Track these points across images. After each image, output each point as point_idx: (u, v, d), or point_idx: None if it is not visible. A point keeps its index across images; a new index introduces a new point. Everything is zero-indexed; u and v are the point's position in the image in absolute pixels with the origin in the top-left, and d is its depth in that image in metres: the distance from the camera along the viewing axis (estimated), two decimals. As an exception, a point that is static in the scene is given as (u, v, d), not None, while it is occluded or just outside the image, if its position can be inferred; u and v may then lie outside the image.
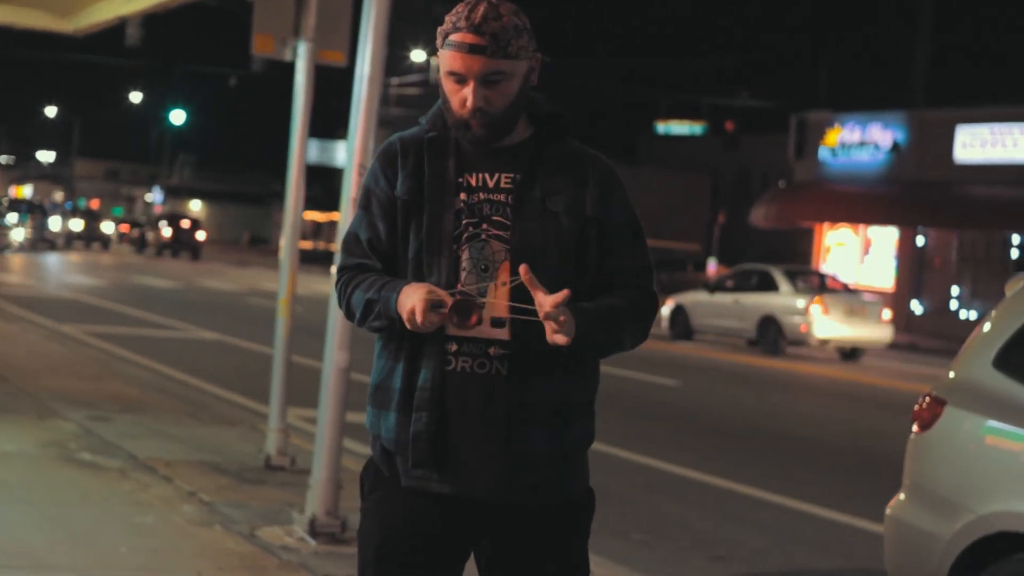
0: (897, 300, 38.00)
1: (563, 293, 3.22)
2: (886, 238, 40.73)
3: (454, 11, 3.38)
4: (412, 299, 3.26)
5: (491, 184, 3.43)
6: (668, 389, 18.94)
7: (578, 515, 3.54)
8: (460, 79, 3.37)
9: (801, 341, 27.19)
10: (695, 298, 29.64)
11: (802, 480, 11.84)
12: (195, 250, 64.49)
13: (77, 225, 70.38)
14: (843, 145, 41.46)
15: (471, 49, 3.33)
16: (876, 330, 27.70)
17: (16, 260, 47.50)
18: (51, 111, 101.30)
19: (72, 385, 13.23)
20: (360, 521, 3.58)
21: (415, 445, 3.37)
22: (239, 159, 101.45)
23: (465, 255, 3.40)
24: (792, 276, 28.32)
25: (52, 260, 50.44)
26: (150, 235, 69.75)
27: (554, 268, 3.35)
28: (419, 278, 3.40)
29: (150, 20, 36.63)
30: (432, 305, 3.24)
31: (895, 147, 40.01)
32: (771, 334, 27.28)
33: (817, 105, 45.37)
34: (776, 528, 9.76)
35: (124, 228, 79.84)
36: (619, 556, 8.24)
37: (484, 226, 3.41)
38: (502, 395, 3.36)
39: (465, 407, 3.36)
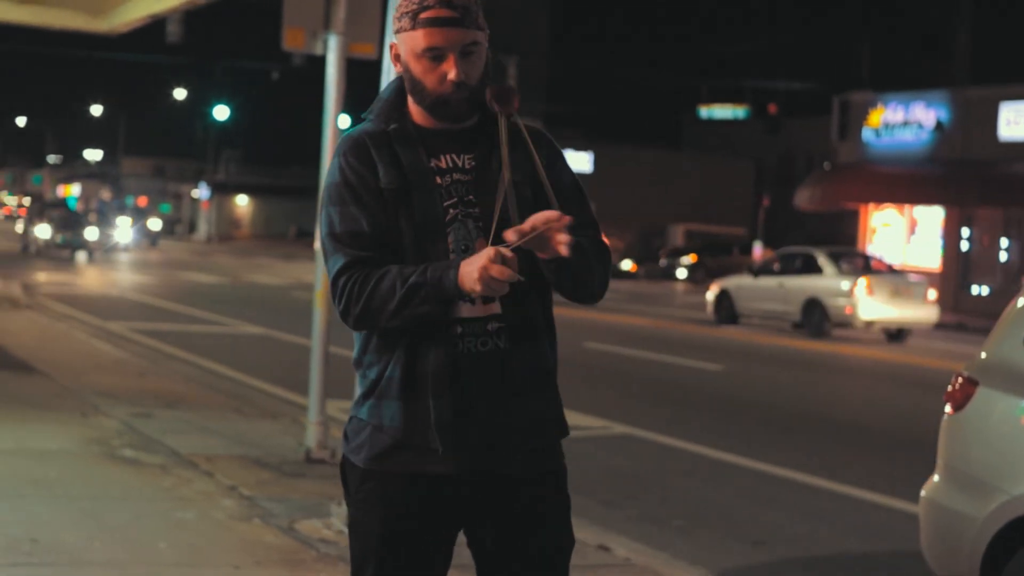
0: (944, 280, 37.75)
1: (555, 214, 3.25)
2: (932, 218, 40.47)
3: None
4: (479, 261, 3.22)
5: (459, 164, 3.48)
6: (712, 374, 18.90)
7: (560, 483, 3.57)
8: (437, 55, 3.41)
9: (846, 323, 27.05)
10: (739, 282, 29.57)
11: (845, 463, 11.79)
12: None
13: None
14: (886, 125, 41.20)
15: (447, 22, 3.39)
16: (922, 310, 27.54)
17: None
18: (97, 110, 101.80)
19: (116, 382, 13.32)
20: (350, 513, 3.57)
21: (441, 430, 3.38)
22: (284, 153, 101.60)
23: (451, 237, 3.43)
24: (836, 258, 28.19)
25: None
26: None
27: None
28: (420, 263, 3.39)
29: (190, 16, 36.79)
30: (501, 258, 3.21)
31: (939, 126, 39.73)
32: (816, 317, 27.15)
33: (860, 86, 45.07)
34: (817, 512, 9.73)
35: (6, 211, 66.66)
36: (659, 543, 8.25)
37: (460, 207, 3.45)
38: (508, 367, 3.43)
39: (478, 386, 3.40)
